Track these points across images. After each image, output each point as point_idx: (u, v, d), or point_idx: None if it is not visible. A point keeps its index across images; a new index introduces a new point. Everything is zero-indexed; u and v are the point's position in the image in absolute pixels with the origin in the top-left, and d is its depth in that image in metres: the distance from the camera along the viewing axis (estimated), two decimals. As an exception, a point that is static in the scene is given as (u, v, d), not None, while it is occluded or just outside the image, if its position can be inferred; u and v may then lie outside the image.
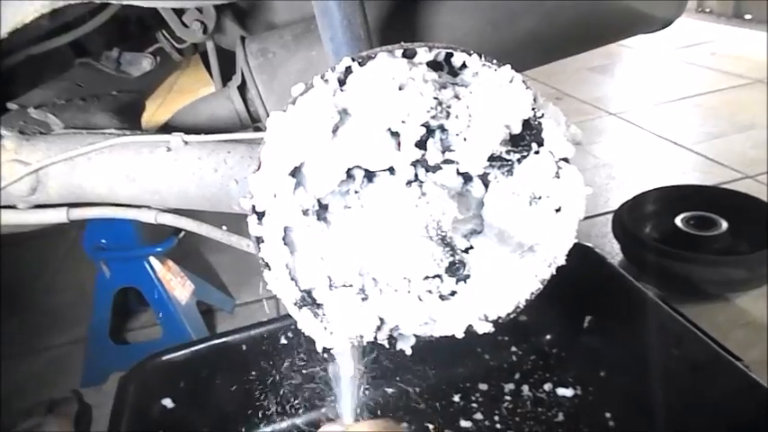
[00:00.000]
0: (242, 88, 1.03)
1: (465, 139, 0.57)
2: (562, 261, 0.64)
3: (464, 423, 1.12)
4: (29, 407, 1.45)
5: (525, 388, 1.16)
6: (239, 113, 1.04)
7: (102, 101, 1.04)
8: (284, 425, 1.19)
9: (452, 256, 0.51)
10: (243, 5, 1.16)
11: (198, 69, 1.67)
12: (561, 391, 1.14)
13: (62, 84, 1.11)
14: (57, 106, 0.93)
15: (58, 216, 0.80)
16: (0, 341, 1.87)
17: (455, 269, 0.51)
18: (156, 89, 1.42)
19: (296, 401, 1.19)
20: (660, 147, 2.61)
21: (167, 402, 1.12)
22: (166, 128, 1.07)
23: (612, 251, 1.72)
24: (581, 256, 0.60)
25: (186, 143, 0.76)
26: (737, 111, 2.84)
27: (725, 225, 1.65)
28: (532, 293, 0.64)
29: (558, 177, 0.60)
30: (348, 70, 0.55)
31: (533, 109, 0.57)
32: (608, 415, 1.07)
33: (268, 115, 0.99)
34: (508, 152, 0.59)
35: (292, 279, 0.59)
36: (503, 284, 0.63)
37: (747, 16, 4.25)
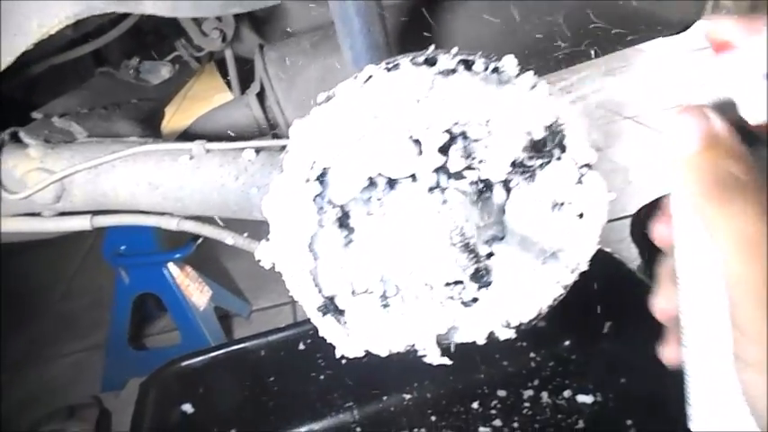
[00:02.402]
0: (260, 96, 1.04)
1: (486, 147, 0.57)
2: (585, 267, 0.63)
3: (483, 429, 1.11)
4: (49, 412, 1.46)
5: (544, 395, 1.15)
6: (258, 121, 1.04)
7: (123, 109, 1.05)
8: (303, 429, 1.19)
9: (477, 262, 0.51)
10: (260, 14, 1.17)
11: (212, 76, 1.68)
12: (581, 398, 1.13)
13: (83, 93, 1.13)
14: (80, 115, 0.95)
15: (81, 224, 0.82)
16: (10, 349, 1.90)
17: (479, 276, 0.51)
18: (175, 96, 1.44)
19: (315, 407, 1.19)
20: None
21: (187, 408, 1.13)
22: (186, 135, 1.08)
23: (630, 256, 1.70)
24: (600, 261, 0.60)
25: (208, 151, 0.77)
26: (755, 113, 2.81)
27: (745, 229, 1.63)
28: (555, 299, 0.64)
29: (581, 183, 0.59)
30: (370, 78, 0.55)
31: (556, 115, 0.57)
32: (629, 422, 1.06)
33: (287, 122, 1.01)
34: (530, 158, 0.59)
35: (316, 286, 0.59)
36: (525, 291, 0.63)
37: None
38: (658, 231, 0.46)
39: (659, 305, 0.45)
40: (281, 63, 0.99)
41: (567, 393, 1.16)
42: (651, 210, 1.77)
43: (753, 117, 0.35)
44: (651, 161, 2.53)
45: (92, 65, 1.26)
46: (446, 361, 0.62)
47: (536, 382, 1.20)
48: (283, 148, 0.75)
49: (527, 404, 1.16)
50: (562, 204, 0.61)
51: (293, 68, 0.99)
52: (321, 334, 0.61)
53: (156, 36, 1.46)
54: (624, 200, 2.14)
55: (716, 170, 0.33)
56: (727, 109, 0.34)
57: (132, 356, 1.65)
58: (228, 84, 1.57)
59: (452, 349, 0.64)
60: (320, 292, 0.60)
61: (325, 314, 0.61)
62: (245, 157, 0.76)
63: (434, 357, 0.63)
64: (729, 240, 0.32)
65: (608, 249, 1.17)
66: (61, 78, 1.17)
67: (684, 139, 0.35)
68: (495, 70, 0.57)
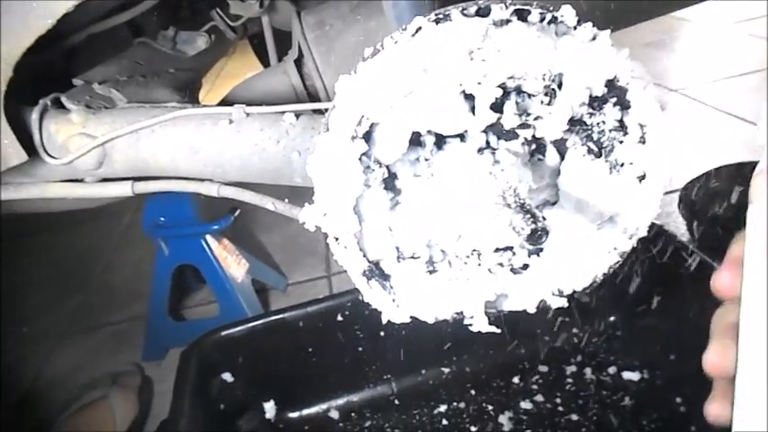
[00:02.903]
0: (298, 62, 1.01)
1: (543, 102, 0.54)
2: (644, 232, 0.60)
3: (524, 405, 1.09)
4: (93, 379, 1.50)
5: (588, 371, 1.12)
6: (296, 88, 1.02)
7: (161, 78, 1.05)
8: (341, 401, 1.19)
9: (534, 223, 0.48)
10: (297, -20, 1.14)
11: (245, 54, 1.67)
12: (627, 375, 1.09)
13: (122, 62, 1.12)
14: (119, 83, 0.94)
15: (123, 190, 0.81)
16: (55, 319, 1.95)
17: (537, 237, 0.48)
18: (212, 68, 1.43)
19: (353, 378, 1.19)
20: (725, 123, 2.47)
21: (227, 377, 1.13)
22: (224, 103, 1.07)
23: (678, 231, 1.63)
24: (650, 233, 0.57)
25: (248, 114, 0.75)
26: (809, 84, 2.66)
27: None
28: (611, 267, 0.61)
29: (644, 142, 0.56)
30: (419, 30, 0.52)
31: (617, 69, 0.53)
32: (678, 400, 1.02)
33: (326, 88, 0.99)
34: (590, 115, 0.55)
35: (361, 250, 0.57)
36: (579, 257, 0.60)
37: (819, -16, 3.97)
38: (720, 280, 0.41)
39: (711, 360, 0.40)
40: (319, 28, 0.97)
41: (612, 370, 1.12)
42: (701, 184, 1.70)
43: None
44: (698, 135, 2.43)
45: (129, 35, 1.26)
46: (494, 329, 0.60)
47: (579, 358, 1.16)
48: (324, 112, 0.73)
49: (570, 380, 1.13)
50: (622, 165, 0.57)
51: (332, 33, 0.97)
52: (366, 300, 0.60)
53: (191, 6, 1.44)
54: (670, 174, 2.05)
55: None
56: None
57: (172, 327, 1.67)
58: (262, 61, 1.55)
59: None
60: (365, 256, 0.58)
61: (369, 279, 0.59)
62: (286, 120, 0.74)
63: (482, 325, 0.60)
64: None
65: (659, 222, 1.12)
66: (99, 47, 1.17)
67: None
68: (553, 21, 0.54)
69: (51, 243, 2.41)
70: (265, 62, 1.26)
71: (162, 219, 1.52)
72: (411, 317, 0.60)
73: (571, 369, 1.14)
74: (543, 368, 1.16)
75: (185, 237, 1.54)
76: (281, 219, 0.82)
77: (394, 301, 0.59)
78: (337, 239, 0.57)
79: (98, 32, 1.09)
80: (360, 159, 0.53)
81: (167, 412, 1.00)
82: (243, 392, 1.16)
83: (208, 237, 1.54)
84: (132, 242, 2.35)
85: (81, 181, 0.82)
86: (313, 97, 1.04)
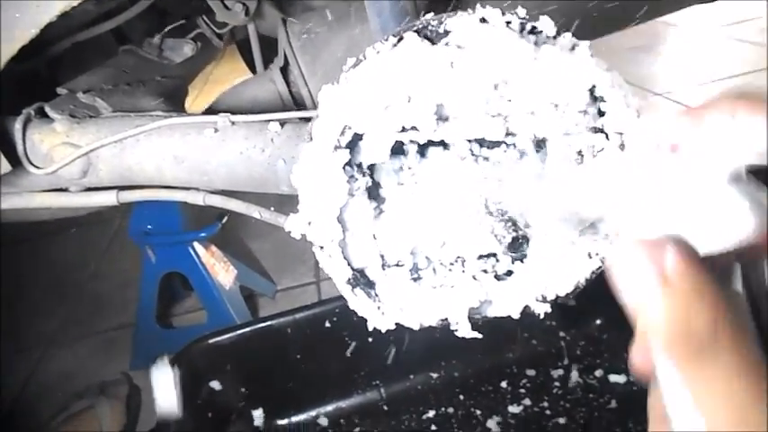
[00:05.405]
0: (284, 70, 1.02)
1: (524, 111, 0.55)
2: (625, 238, 0.61)
3: (512, 409, 1.10)
4: (80, 389, 1.48)
5: (575, 374, 1.13)
6: (282, 95, 1.03)
7: (147, 86, 1.05)
8: (330, 408, 1.19)
9: (515, 231, 0.49)
10: (283, -13, 1.14)
11: (233, 60, 1.67)
12: (613, 378, 1.10)
13: (107, 70, 1.12)
14: (104, 91, 0.94)
15: (108, 199, 0.81)
16: (43, 328, 1.94)
17: (518, 246, 0.49)
18: (198, 75, 1.43)
19: (341, 385, 1.19)
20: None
21: (215, 384, 1.13)
22: (210, 111, 1.07)
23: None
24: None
25: (233, 123, 0.75)
26: (792, 88, 2.70)
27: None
28: (593, 272, 0.61)
29: (623, 149, 0.57)
30: (401, 40, 0.53)
31: (595, 78, 0.54)
32: (664, 402, 1.03)
33: (311, 96, 0.99)
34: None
35: (345, 258, 0.57)
36: (562, 263, 0.61)
37: (801, -11, 4.02)
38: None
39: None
40: (305, 35, 0.97)
41: (598, 373, 1.13)
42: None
43: (715, 242, 0.26)
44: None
45: (114, 43, 1.26)
46: (477, 335, 0.60)
47: (566, 362, 1.17)
48: (309, 120, 0.74)
49: (557, 383, 1.14)
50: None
51: (317, 41, 0.97)
52: (351, 307, 0.60)
53: (177, 14, 1.44)
54: (655, 177, 2.07)
55: (679, 326, 0.26)
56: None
57: (160, 335, 1.67)
58: (250, 66, 1.56)
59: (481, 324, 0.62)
60: (350, 264, 0.58)
61: (354, 287, 0.59)
62: (271, 129, 0.74)
63: (466, 331, 0.61)
64: (706, 403, 0.25)
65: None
66: (84, 56, 1.16)
67: (635, 283, 0.27)
68: (532, 30, 0.55)
69: (38, 251, 2.39)
70: (254, 67, 1.26)
71: (149, 226, 1.51)
72: (396, 324, 0.60)
73: (558, 372, 1.15)
74: (531, 372, 1.17)
75: (173, 244, 1.54)
76: (270, 225, 0.82)
77: (379, 308, 0.60)
78: (322, 248, 0.57)
79: (83, 40, 1.09)
80: (343, 169, 0.53)
81: (155, 421, 0.99)
82: (231, 400, 1.16)
83: (195, 244, 1.54)
84: (121, 249, 2.34)
85: (66, 190, 0.82)
86: (299, 104, 1.04)
